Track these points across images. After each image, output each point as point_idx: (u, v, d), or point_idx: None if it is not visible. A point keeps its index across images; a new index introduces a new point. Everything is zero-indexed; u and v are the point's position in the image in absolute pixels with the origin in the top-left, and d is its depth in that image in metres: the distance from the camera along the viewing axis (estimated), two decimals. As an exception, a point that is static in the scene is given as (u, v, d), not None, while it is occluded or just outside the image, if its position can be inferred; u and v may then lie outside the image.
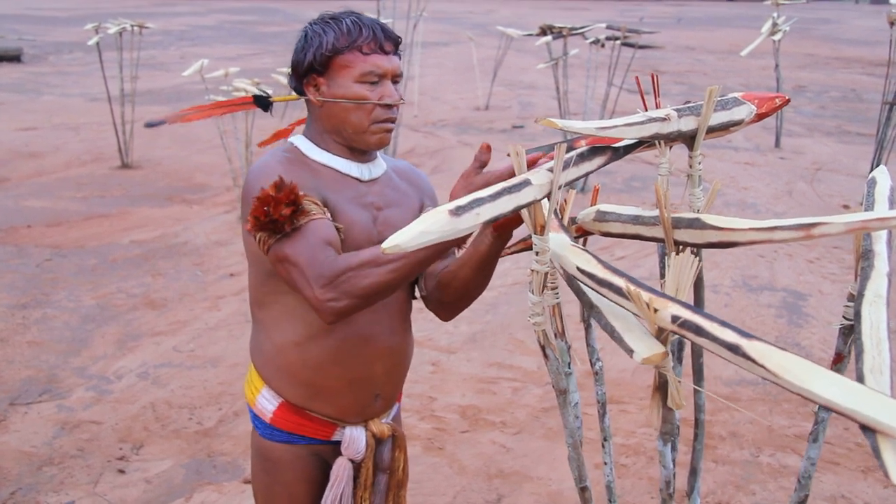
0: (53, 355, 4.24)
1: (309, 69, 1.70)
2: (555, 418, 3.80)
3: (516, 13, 26.18)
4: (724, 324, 1.07)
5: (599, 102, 8.08)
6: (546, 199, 1.24)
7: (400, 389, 1.90)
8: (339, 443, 1.83)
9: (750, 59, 15.41)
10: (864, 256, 1.26)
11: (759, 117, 1.66)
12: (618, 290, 1.17)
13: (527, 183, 1.18)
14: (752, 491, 3.29)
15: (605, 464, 1.79)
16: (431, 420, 3.74)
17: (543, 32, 7.35)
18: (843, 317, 1.33)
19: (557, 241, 1.27)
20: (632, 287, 1.11)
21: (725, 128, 1.53)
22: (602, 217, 1.49)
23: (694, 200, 1.52)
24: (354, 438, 1.81)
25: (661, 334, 1.15)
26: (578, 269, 1.22)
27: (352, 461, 1.84)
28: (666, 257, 1.41)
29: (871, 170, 7.48)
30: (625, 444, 3.59)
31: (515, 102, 12.35)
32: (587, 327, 1.80)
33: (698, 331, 1.07)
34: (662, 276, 1.95)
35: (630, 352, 1.16)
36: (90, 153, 8.58)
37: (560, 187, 1.22)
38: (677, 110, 1.41)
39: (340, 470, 1.82)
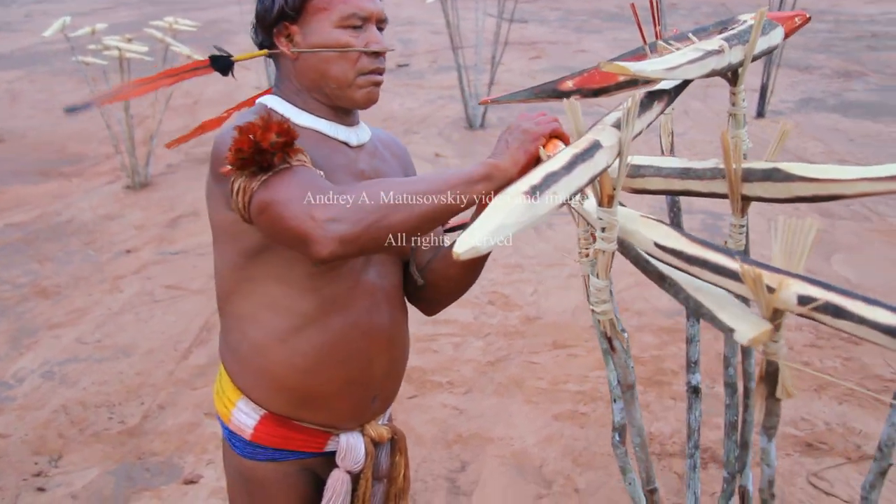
0: (-62, 363, 3.78)
1: (279, 16, 1.44)
2: (501, 371, 3.63)
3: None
4: (870, 301, 0.87)
5: (482, 34, 7.85)
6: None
7: (399, 387, 1.66)
8: (332, 453, 1.59)
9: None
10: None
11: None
12: (716, 269, 0.96)
13: (597, 146, 0.95)
14: (716, 425, 3.21)
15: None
16: (375, 389, 3.52)
17: (428, -36, 7.02)
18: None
19: (622, 213, 1.05)
20: (746, 266, 0.90)
21: (764, 55, 1.34)
22: (636, 172, 1.27)
23: (739, 144, 1.32)
24: (352, 447, 1.57)
25: (775, 317, 0.95)
26: (657, 245, 1.01)
27: (349, 472, 1.59)
28: (732, 216, 1.21)
29: (762, 83, 7.54)
30: (580, 390, 3.46)
31: (395, 40, 11.95)
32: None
33: (838, 313, 0.88)
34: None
35: (730, 331, 0.96)
36: (-58, 129, 7.80)
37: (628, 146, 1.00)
38: (726, 40, 1.20)
39: (338, 484, 1.56)
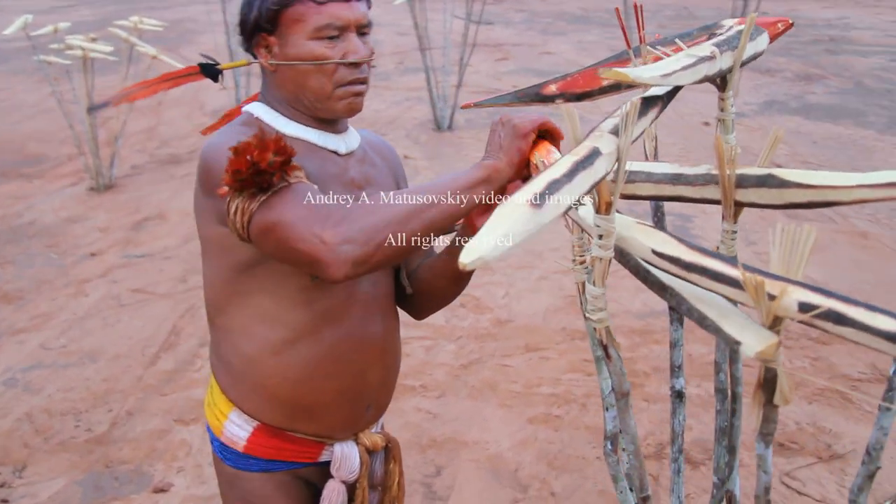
0: None
1: (256, 27, 1.41)
2: (474, 375, 3.62)
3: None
4: (870, 307, 0.87)
5: (449, 36, 7.86)
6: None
7: (391, 394, 1.64)
8: (326, 463, 1.57)
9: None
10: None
11: (765, 45, 1.47)
12: (716, 276, 0.95)
13: (597, 153, 0.94)
14: (688, 426, 3.23)
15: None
16: (348, 393, 3.48)
17: (396, -35, 7.00)
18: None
19: (618, 220, 1.04)
20: (748, 273, 0.89)
21: (750, 61, 1.34)
22: (627, 177, 1.26)
23: (733, 150, 1.31)
24: (346, 457, 1.55)
25: (775, 324, 0.94)
26: (654, 252, 0.99)
27: (344, 482, 1.58)
28: (724, 222, 1.21)
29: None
30: (553, 393, 3.46)
31: (361, 41, 11.89)
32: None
33: (840, 320, 0.87)
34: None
35: (735, 344, 0.95)
36: None
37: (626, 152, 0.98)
38: (717, 46, 1.19)
39: (333, 495, 1.55)
